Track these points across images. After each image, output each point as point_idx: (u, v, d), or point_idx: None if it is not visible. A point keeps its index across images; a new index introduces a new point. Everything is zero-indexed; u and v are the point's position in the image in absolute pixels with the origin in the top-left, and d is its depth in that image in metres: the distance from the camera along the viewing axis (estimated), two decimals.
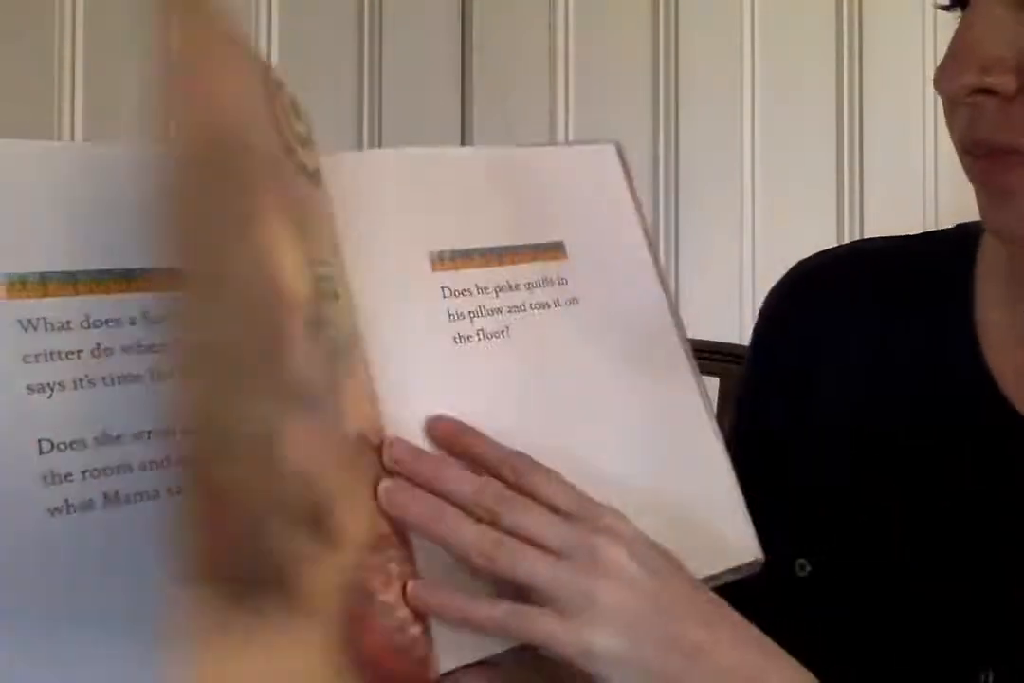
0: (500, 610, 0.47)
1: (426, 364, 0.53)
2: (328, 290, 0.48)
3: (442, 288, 0.54)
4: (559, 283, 0.58)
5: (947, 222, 1.64)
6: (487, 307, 0.55)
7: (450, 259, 0.55)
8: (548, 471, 0.50)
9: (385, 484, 0.48)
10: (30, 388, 0.42)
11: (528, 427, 0.54)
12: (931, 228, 1.58)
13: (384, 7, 1.55)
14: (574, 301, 0.58)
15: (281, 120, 0.46)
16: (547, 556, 0.47)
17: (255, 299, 0.40)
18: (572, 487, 0.50)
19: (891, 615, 0.58)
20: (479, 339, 0.54)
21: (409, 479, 0.48)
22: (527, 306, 0.57)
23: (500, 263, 0.56)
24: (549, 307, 0.57)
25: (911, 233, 0.71)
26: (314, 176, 0.49)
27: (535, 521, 0.48)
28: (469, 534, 0.47)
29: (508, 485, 0.49)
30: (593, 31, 1.61)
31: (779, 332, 0.68)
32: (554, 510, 0.49)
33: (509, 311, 0.56)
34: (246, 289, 0.39)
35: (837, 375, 0.64)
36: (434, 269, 0.54)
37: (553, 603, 0.47)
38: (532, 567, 0.47)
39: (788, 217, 1.62)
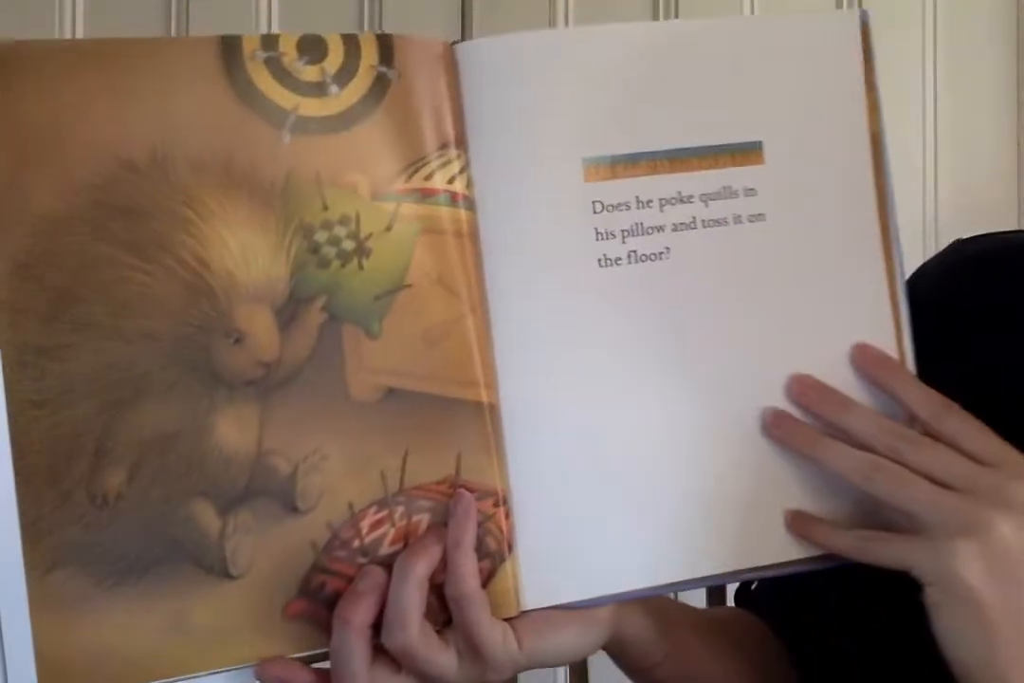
0: (856, 536, 0.48)
1: (562, 289, 0.47)
2: (329, 256, 0.46)
3: (593, 203, 0.47)
4: (745, 194, 0.49)
5: (947, 222, 1.63)
6: (646, 224, 0.48)
7: (608, 166, 0.47)
8: (968, 417, 0.48)
9: (772, 411, 0.49)
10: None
11: (668, 366, 0.49)
12: (931, 230, 1.58)
13: (384, 7, 1.55)
14: (759, 217, 0.49)
15: (260, 90, 0.45)
16: (933, 485, 0.46)
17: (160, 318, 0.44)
18: (992, 436, 0.48)
19: None
20: (629, 262, 0.48)
21: (810, 411, 0.49)
22: (697, 223, 0.49)
23: (672, 169, 0.48)
24: (726, 224, 0.49)
25: None
26: (343, 117, 0.46)
27: (941, 459, 0.47)
28: (851, 457, 0.48)
29: (923, 425, 0.48)
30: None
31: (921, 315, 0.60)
32: (970, 456, 0.47)
33: (674, 229, 0.48)
34: (148, 310, 0.44)
35: (983, 369, 0.58)
36: (587, 179, 0.47)
37: (928, 528, 0.46)
38: (913, 491, 0.46)
39: None
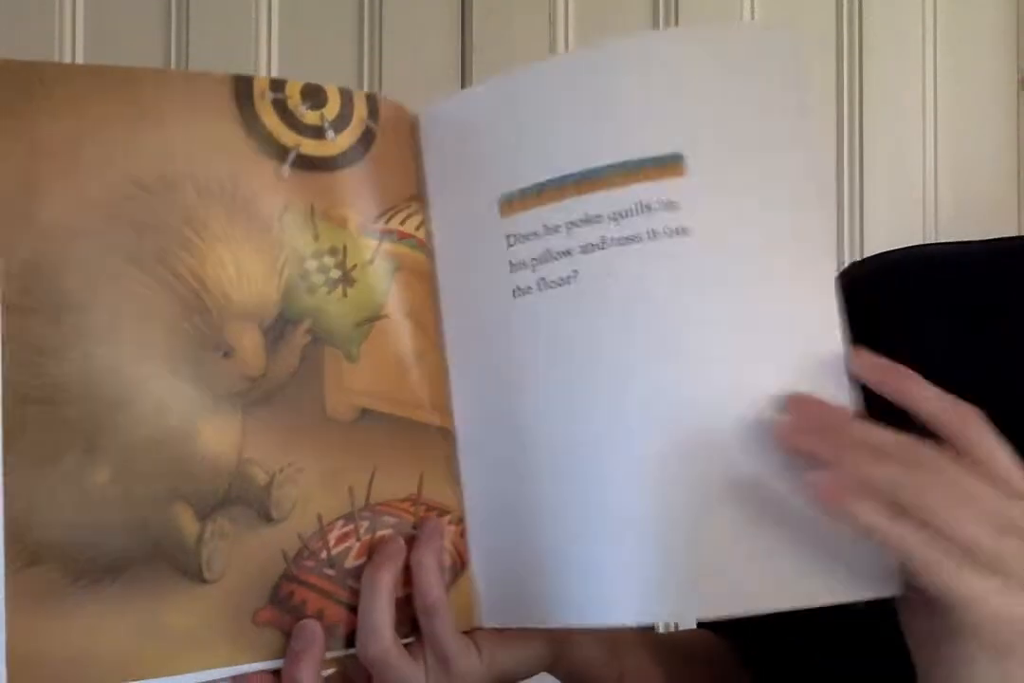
0: (934, 551, 0.42)
1: (483, 322, 0.50)
2: (317, 282, 0.50)
3: (507, 236, 0.50)
4: (665, 208, 0.47)
5: (947, 223, 1.66)
6: (554, 250, 0.49)
7: (520, 199, 0.49)
8: (994, 437, 0.44)
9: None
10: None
11: (587, 392, 0.48)
12: (931, 230, 1.62)
13: (384, 7, 1.57)
14: (681, 232, 0.47)
15: (267, 127, 0.50)
16: (989, 529, 0.42)
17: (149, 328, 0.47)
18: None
19: None
20: (539, 290, 0.49)
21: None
22: (606, 242, 0.48)
23: (579, 192, 0.48)
24: (639, 241, 0.47)
25: (980, 239, 0.66)
26: (338, 159, 0.51)
27: (981, 492, 0.42)
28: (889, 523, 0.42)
29: (947, 439, 0.44)
30: (593, 31, 1.63)
31: None
32: (1002, 483, 0.43)
33: (582, 251, 0.48)
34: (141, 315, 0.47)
35: None
36: (503, 214, 0.50)
37: (994, 573, 0.42)
38: (975, 536, 0.42)
39: None
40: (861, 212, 1.65)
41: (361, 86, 1.53)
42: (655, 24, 1.62)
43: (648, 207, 0.48)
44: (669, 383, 0.47)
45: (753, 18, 1.63)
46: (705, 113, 0.48)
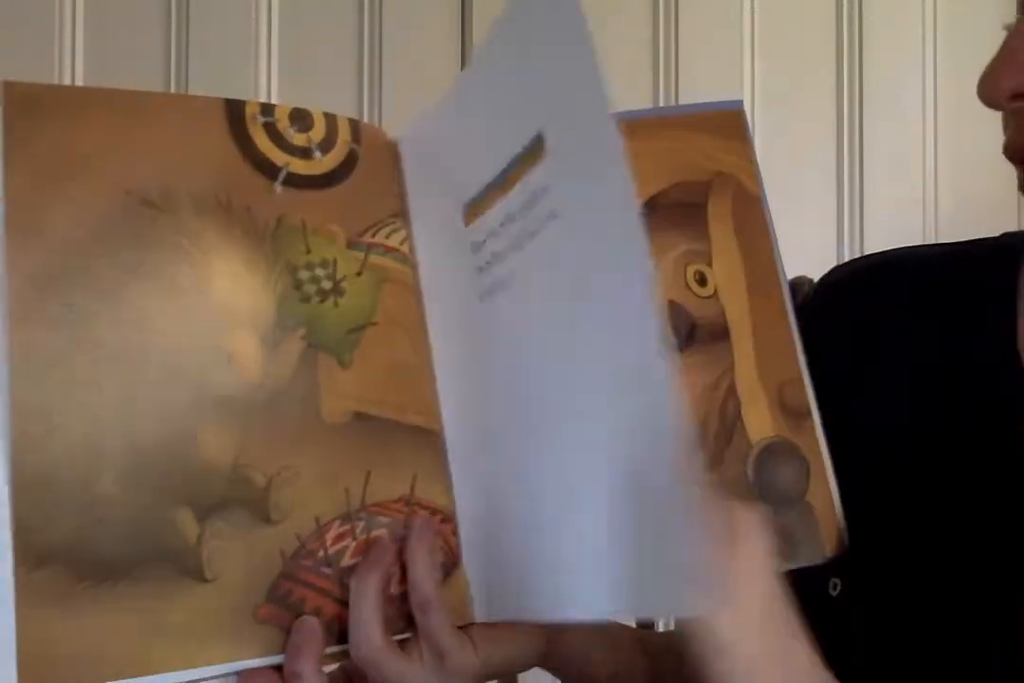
0: None
1: (460, 327, 0.53)
2: (310, 292, 0.53)
3: (471, 243, 0.52)
4: (543, 193, 0.46)
5: (947, 224, 1.68)
6: (497, 252, 0.50)
7: (478, 205, 0.52)
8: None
9: None
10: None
11: (533, 386, 0.49)
12: (931, 230, 1.63)
13: (384, 7, 1.58)
14: (553, 216, 0.46)
15: (259, 147, 0.53)
16: None
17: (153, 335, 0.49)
18: None
19: (917, 640, 0.54)
20: (495, 292, 0.51)
21: None
22: (523, 239, 0.48)
23: (503, 192, 0.49)
24: (537, 233, 0.47)
25: (956, 241, 0.68)
26: (325, 178, 0.54)
27: None
28: None
29: None
30: (592, 32, 1.64)
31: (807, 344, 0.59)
32: None
33: (511, 249, 0.49)
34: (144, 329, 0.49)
35: (866, 390, 0.60)
36: (467, 223, 0.53)
37: None
38: None
39: (788, 218, 1.63)
40: (861, 212, 1.67)
41: (361, 86, 1.55)
42: (655, 25, 1.64)
43: (536, 195, 0.47)
44: (600, 377, 0.44)
45: (753, 18, 1.65)
46: (551, 89, 0.46)
